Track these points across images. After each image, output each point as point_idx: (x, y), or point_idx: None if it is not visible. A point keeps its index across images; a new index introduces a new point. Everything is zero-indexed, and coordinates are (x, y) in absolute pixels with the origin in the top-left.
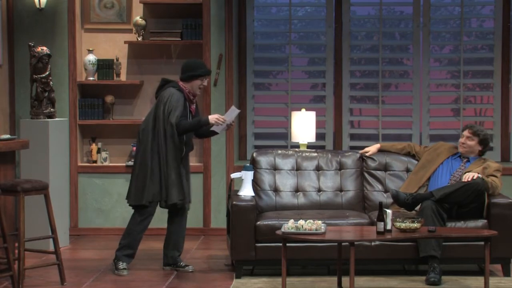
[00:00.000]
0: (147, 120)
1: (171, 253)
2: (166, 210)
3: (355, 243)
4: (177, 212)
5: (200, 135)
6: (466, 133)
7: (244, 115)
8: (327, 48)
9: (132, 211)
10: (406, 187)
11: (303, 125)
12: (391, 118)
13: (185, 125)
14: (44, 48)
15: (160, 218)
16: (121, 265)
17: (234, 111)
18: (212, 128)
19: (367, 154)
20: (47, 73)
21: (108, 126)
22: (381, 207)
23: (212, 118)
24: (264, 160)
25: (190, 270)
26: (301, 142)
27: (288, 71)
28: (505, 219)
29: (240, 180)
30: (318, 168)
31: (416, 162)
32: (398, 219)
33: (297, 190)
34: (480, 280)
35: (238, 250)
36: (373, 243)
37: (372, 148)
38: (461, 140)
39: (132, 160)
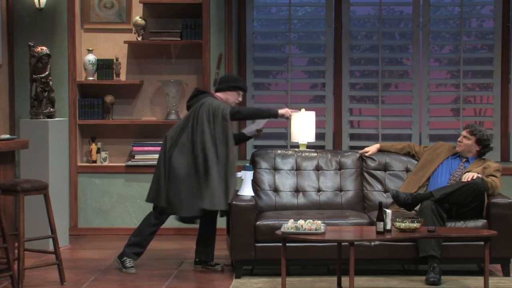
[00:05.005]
0: (178, 129)
1: (204, 251)
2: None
3: (355, 243)
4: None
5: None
6: (464, 132)
7: None
8: (326, 48)
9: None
10: (406, 187)
11: (303, 125)
12: (390, 118)
13: (245, 111)
14: (44, 48)
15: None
16: (129, 263)
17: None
18: (244, 131)
19: (366, 154)
20: (47, 73)
21: (108, 126)
22: (380, 207)
23: (282, 110)
24: (264, 160)
25: (219, 269)
26: (300, 142)
27: (288, 71)
28: (505, 219)
29: (240, 180)
30: (317, 168)
31: (415, 162)
32: (397, 219)
33: (296, 190)
34: (479, 280)
35: (238, 250)
36: (372, 243)
37: (372, 148)
38: (459, 138)
39: (132, 160)
